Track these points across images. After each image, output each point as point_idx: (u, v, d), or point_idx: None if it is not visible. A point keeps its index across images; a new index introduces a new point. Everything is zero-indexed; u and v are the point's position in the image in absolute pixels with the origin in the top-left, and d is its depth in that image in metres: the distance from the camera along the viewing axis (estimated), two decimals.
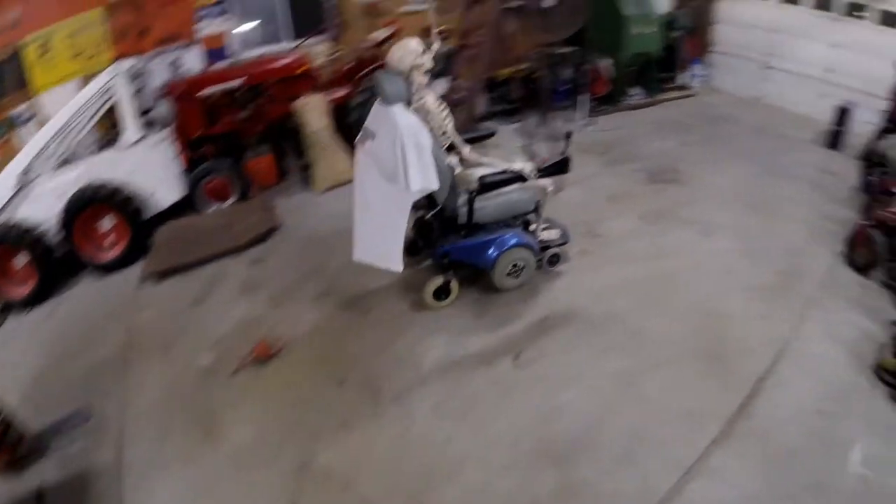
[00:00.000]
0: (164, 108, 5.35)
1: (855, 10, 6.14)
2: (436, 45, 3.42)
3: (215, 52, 6.31)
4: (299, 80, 5.72)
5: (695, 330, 3.39)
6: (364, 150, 3.37)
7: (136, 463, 2.93)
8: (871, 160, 4.63)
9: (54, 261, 4.73)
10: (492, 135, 4.04)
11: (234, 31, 6.34)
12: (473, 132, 3.93)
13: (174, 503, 2.71)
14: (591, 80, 6.91)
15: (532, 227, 3.83)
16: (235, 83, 5.47)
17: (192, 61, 6.19)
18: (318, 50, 6.27)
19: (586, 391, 3.01)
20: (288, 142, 5.94)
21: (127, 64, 5.21)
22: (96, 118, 4.91)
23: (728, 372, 3.08)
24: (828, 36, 6.41)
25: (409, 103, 3.26)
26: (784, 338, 3.28)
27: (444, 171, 3.26)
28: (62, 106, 4.89)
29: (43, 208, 4.67)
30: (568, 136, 3.79)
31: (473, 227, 3.52)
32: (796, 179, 5.16)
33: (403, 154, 2.99)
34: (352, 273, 4.14)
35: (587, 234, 4.38)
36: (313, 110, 5.55)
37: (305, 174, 5.86)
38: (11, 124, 6.03)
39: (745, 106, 7.26)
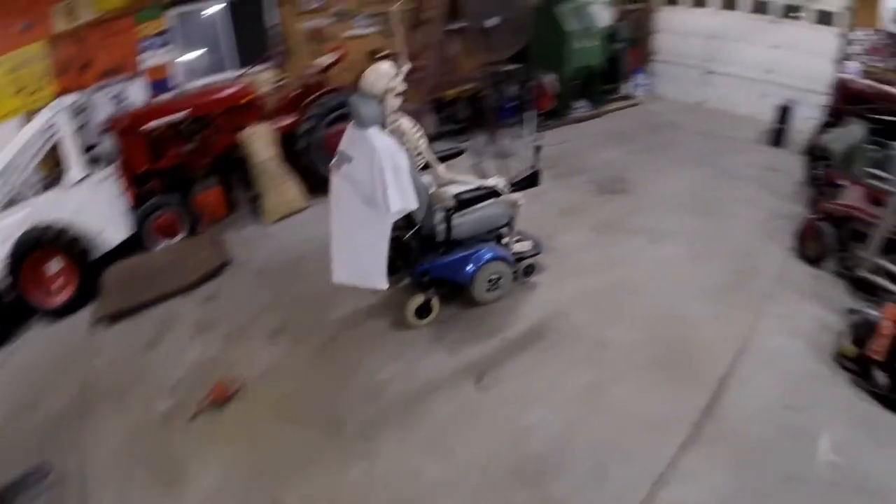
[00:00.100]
0: (108, 144, 5.19)
1: (791, 12, 6.40)
2: (406, 68, 3.46)
3: (159, 83, 6.16)
4: (245, 109, 5.61)
5: (654, 337, 3.41)
6: (340, 175, 3.38)
7: None
8: (815, 154, 4.75)
9: (3, 308, 4.51)
10: (461, 153, 4.12)
11: (177, 61, 6.19)
12: (443, 151, 3.99)
13: None
14: (537, 96, 7.00)
15: (505, 240, 3.89)
16: (180, 115, 5.34)
17: (137, 94, 6.04)
18: (263, 78, 6.16)
19: (552, 409, 2.97)
20: (236, 173, 5.81)
21: (69, 99, 5.06)
22: (40, 156, 4.73)
23: (691, 375, 3.09)
24: (766, 38, 6.66)
25: (383, 126, 3.29)
26: (743, 336, 3.33)
27: (421, 191, 3.32)
28: (5, 144, 4.70)
29: None
30: (538, 149, 3.87)
31: (451, 243, 3.57)
32: (742, 179, 5.30)
33: (382, 176, 3.02)
34: (307, 305, 4.10)
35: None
36: (260, 140, 5.45)
37: (255, 205, 5.74)
38: None
39: (689, 111, 7.46)
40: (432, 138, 6.25)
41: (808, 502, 2.41)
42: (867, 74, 5.62)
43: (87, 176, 4.86)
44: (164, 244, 5.26)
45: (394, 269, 3.63)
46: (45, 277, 4.66)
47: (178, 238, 5.32)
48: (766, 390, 2.95)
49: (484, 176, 3.92)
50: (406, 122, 3.49)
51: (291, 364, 3.62)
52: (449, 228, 3.48)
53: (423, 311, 3.70)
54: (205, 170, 5.59)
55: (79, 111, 5.12)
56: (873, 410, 2.80)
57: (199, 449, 3.08)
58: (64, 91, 5.45)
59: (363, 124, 3.18)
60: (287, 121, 5.82)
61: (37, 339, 4.54)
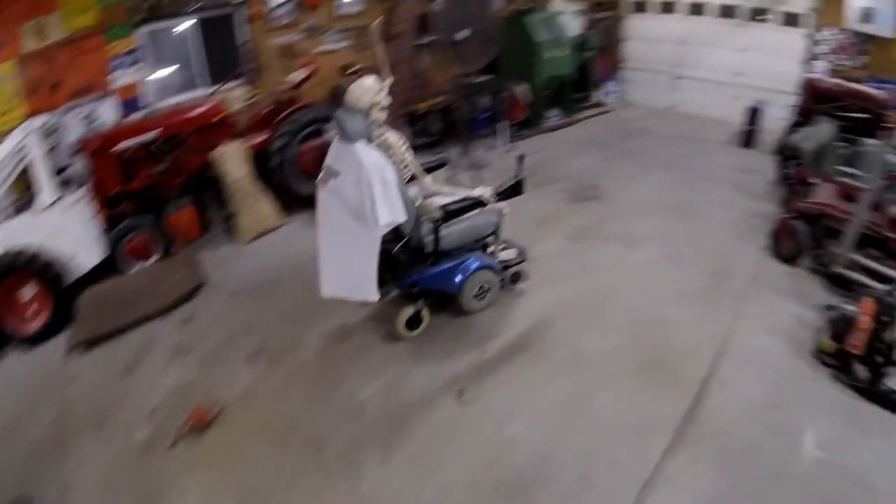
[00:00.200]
0: (79, 166, 5.08)
1: (758, 15, 6.54)
2: (389, 81, 3.48)
3: (130, 102, 6.06)
4: (216, 127, 5.52)
5: (634, 342, 3.41)
6: (327, 190, 3.37)
7: None
8: (786, 154, 4.84)
9: None
10: (444, 164, 4.16)
11: (148, 80, 6.11)
12: (428, 163, 4.01)
13: None
14: (509, 107, 7.04)
15: (490, 249, 3.91)
16: (151, 135, 5.25)
17: (108, 113, 5.91)
18: (234, 95, 6.09)
19: (535, 420, 2.95)
20: (209, 192, 5.71)
21: (39, 121, 4.94)
22: (10, 180, 4.59)
23: (672, 379, 3.09)
24: (734, 41, 6.79)
25: (369, 139, 3.28)
26: (722, 337, 3.35)
27: (408, 204, 3.33)
28: None
29: None
30: (521, 159, 3.89)
31: (439, 254, 3.58)
32: (715, 181, 5.36)
33: (370, 190, 3.03)
34: (284, 325, 4.04)
35: None
36: (233, 158, 5.38)
37: (229, 225, 5.65)
38: None
39: (660, 117, 7.57)
40: None
41: (797, 499, 2.42)
42: (834, 73, 5.77)
43: (58, 199, 4.74)
44: (138, 267, 5.14)
45: (382, 281, 3.65)
46: (19, 304, 4.52)
47: (152, 260, 5.20)
48: (747, 390, 2.97)
49: (462, 187, 3.93)
50: (392, 136, 3.51)
51: (271, 385, 3.55)
52: (437, 240, 3.49)
53: (413, 322, 3.69)
54: (177, 190, 5.48)
55: (49, 132, 4.99)
56: (855, 404, 2.84)
57: (181, 475, 2.99)
58: (34, 112, 5.31)
59: (350, 139, 3.18)
60: (259, 138, 5.75)
61: (12, 367, 4.38)
